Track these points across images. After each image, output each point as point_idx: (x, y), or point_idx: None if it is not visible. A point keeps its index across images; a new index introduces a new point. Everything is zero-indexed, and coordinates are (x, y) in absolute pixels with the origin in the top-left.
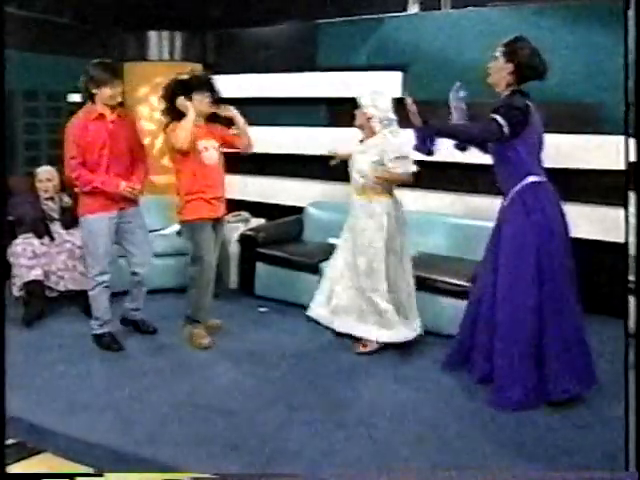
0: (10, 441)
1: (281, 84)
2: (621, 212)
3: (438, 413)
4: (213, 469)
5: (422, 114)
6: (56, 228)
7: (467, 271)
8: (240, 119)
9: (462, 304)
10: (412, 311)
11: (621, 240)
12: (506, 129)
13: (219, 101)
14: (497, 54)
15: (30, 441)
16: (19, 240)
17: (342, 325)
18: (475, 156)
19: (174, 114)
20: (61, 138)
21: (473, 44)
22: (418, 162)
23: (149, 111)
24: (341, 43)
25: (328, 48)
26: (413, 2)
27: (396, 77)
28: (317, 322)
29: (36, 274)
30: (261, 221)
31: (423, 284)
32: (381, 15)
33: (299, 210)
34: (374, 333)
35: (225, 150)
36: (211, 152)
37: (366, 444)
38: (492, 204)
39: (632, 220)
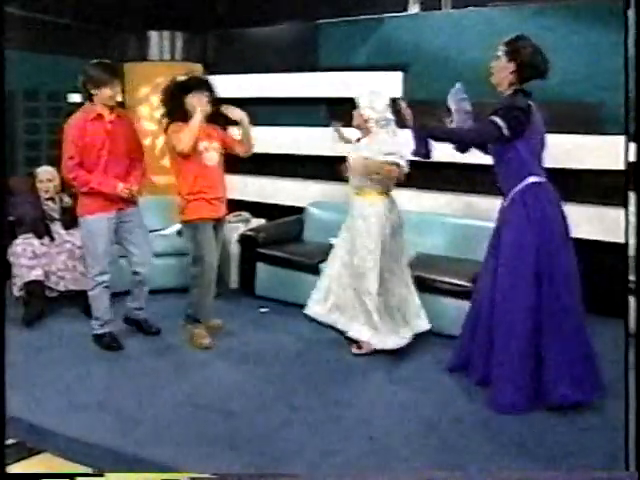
0: (10, 441)
1: (281, 84)
2: (621, 212)
3: (438, 414)
4: (213, 469)
5: (423, 114)
6: (56, 228)
7: (467, 271)
8: (247, 123)
9: (463, 304)
10: (409, 314)
11: (621, 240)
12: (506, 131)
13: (218, 101)
14: (499, 53)
15: (30, 441)
16: (19, 240)
17: (338, 323)
18: (472, 156)
19: (174, 115)
20: (61, 138)
21: (474, 44)
22: (414, 162)
23: (150, 111)
24: (341, 43)
25: (328, 48)
26: (414, 2)
27: (397, 77)
28: (315, 320)
29: (36, 274)
30: (261, 221)
31: (423, 284)
32: (382, 15)
33: (299, 210)
34: (365, 334)
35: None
36: (212, 153)
37: (366, 444)
38: (488, 204)
39: (632, 220)
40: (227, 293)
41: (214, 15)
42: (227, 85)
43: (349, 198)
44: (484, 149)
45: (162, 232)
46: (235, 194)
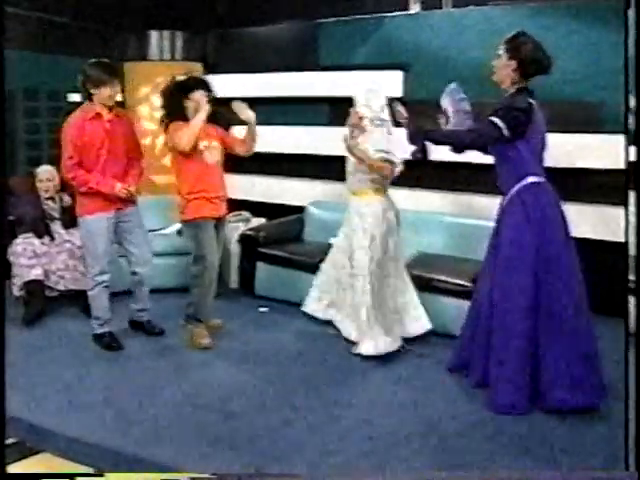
0: (9, 440)
1: (282, 83)
2: (621, 211)
3: (438, 414)
4: (212, 469)
5: (423, 113)
6: (56, 228)
7: (467, 270)
8: (254, 123)
9: (463, 303)
10: (407, 316)
11: (621, 239)
12: (505, 131)
13: (217, 101)
14: (500, 52)
15: (29, 441)
16: (19, 240)
17: (334, 319)
18: (468, 155)
19: (174, 115)
20: (60, 138)
21: (474, 43)
22: (411, 161)
23: (149, 111)
24: (342, 42)
25: (329, 47)
26: (414, 1)
27: (397, 76)
28: (313, 317)
29: (36, 274)
30: (261, 221)
31: (423, 284)
32: (382, 14)
33: (299, 209)
34: (354, 336)
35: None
36: (212, 152)
37: (366, 444)
38: (485, 203)
39: (632, 219)
40: (227, 293)
41: (214, 15)
42: (227, 84)
43: (347, 198)
44: (484, 150)
45: (162, 232)
46: (235, 194)
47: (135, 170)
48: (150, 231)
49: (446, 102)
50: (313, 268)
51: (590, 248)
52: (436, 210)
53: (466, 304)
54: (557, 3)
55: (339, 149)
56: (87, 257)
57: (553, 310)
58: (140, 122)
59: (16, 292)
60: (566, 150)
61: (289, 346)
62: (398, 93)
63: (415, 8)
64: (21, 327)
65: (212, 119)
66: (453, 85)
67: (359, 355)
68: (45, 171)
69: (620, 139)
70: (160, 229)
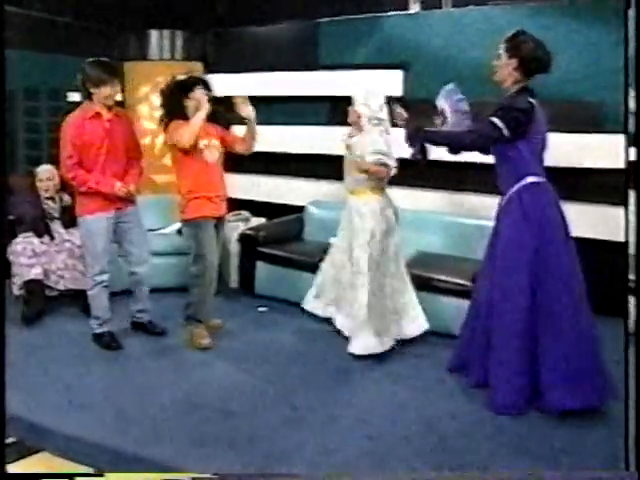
0: (9, 440)
1: (282, 83)
2: (621, 211)
3: (438, 413)
4: (214, 469)
5: (423, 113)
6: (56, 227)
7: (466, 269)
8: (253, 121)
9: (462, 303)
10: (405, 316)
11: (621, 239)
12: (506, 132)
13: (216, 100)
14: (500, 51)
15: (29, 440)
16: (19, 239)
17: (333, 317)
18: (467, 155)
19: (174, 114)
20: (59, 137)
21: (474, 43)
22: (408, 160)
23: (149, 110)
24: (342, 42)
25: (329, 47)
26: (414, 1)
27: (397, 76)
28: (313, 315)
29: (36, 273)
30: (261, 220)
31: (422, 283)
32: (382, 14)
33: (299, 209)
34: (347, 329)
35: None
36: (212, 150)
37: (365, 444)
38: (482, 202)
39: (632, 219)
40: (227, 292)
41: (214, 14)
42: (227, 84)
43: (345, 198)
44: (483, 150)
45: (162, 231)
46: (235, 193)
47: (135, 169)
48: (150, 230)
49: (443, 102)
50: (313, 268)
51: (590, 248)
52: (435, 209)
53: (466, 303)
54: (557, 3)
55: (338, 148)
56: (87, 257)
57: (552, 310)
58: (140, 121)
59: (16, 291)
60: (566, 150)
61: (289, 346)
62: (398, 92)
63: (415, 8)
64: (21, 326)
65: (212, 118)
66: (451, 86)
67: (352, 354)
68: (45, 170)
69: (620, 139)
70: (160, 228)
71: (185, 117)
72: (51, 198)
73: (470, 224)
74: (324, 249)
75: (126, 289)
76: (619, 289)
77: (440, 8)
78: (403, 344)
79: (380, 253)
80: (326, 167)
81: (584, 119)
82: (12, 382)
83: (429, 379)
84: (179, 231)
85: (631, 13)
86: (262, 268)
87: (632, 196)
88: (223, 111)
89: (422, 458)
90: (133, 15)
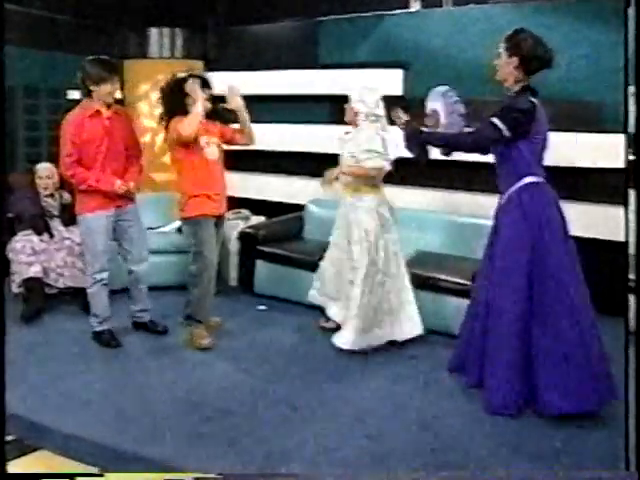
0: (8, 438)
1: (282, 81)
2: (621, 211)
3: (437, 413)
4: (216, 469)
5: (423, 112)
6: (55, 225)
7: (466, 269)
8: (244, 111)
9: (462, 302)
10: (404, 315)
11: (621, 239)
12: (506, 132)
13: (216, 99)
14: (500, 50)
15: (28, 438)
16: (18, 237)
17: (331, 314)
18: (463, 154)
19: (175, 111)
20: (59, 135)
21: (475, 41)
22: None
23: (149, 108)
24: (342, 40)
25: (330, 45)
26: None
27: (397, 75)
28: (312, 315)
29: (35, 271)
30: (261, 219)
31: (422, 282)
32: (383, 12)
33: (299, 207)
34: (339, 319)
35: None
36: (212, 148)
37: (365, 443)
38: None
39: (632, 218)
40: (226, 290)
41: (214, 12)
42: (227, 82)
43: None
44: (483, 151)
45: (162, 229)
46: (235, 192)
47: (135, 167)
48: (150, 229)
49: (437, 104)
50: (313, 266)
51: (590, 248)
52: (435, 209)
53: (465, 303)
54: (557, 2)
55: (338, 147)
56: (86, 255)
57: (550, 311)
58: (139, 119)
59: (15, 289)
60: (566, 149)
61: (289, 345)
62: (398, 91)
63: (415, 6)
64: (20, 324)
65: (212, 116)
66: (445, 88)
67: (341, 350)
68: (45, 168)
69: (620, 138)
70: (160, 227)
71: (185, 115)
72: (51, 196)
73: (469, 223)
74: (324, 248)
75: (126, 287)
76: (619, 289)
77: (441, 7)
78: (403, 344)
79: (375, 249)
80: (326, 166)
81: (584, 119)
82: (11, 380)
83: (429, 379)
84: (179, 229)
85: (631, 12)
86: (262, 267)
87: (632, 196)
88: (223, 109)
89: (421, 458)
90: (133, 13)
